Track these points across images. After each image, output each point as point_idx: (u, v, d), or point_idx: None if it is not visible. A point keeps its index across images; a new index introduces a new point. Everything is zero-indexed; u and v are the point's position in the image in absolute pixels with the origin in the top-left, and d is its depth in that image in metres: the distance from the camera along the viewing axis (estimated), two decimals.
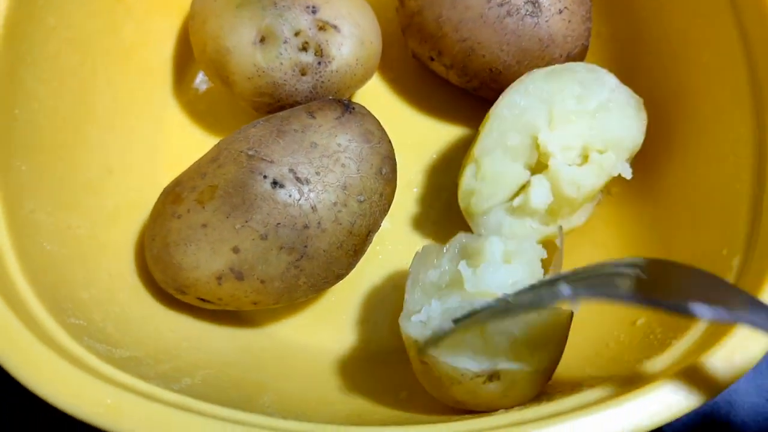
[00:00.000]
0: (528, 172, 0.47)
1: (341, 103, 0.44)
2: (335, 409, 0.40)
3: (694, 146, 0.45)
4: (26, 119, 0.40)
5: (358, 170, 0.42)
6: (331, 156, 0.41)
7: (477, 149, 0.46)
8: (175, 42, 0.54)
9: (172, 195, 0.43)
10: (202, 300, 0.42)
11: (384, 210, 0.44)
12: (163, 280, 0.42)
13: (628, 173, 0.46)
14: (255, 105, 0.48)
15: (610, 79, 0.47)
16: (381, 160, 0.43)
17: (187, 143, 0.52)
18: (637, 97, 0.47)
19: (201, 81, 0.55)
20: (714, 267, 0.38)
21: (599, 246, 0.49)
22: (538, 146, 0.46)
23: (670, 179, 0.46)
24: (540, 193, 0.46)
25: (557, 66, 0.47)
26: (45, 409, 0.31)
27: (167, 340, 0.41)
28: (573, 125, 0.46)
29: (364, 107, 0.45)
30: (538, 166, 0.47)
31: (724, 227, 0.39)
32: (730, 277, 0.37)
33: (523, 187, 0.47)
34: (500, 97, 0.46)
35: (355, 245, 0.42)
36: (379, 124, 0.44)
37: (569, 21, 0.48)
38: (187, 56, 0.53)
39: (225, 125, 0.53)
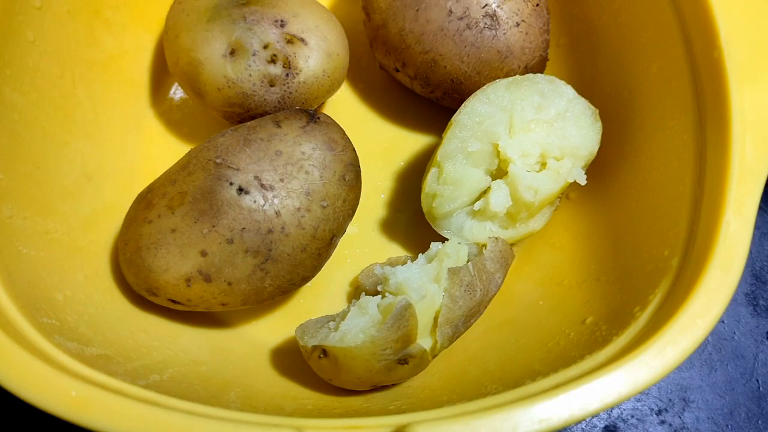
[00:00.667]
0: (489, 178, 0.49)
1: (307, 113, 0.45)
2: (300, 404, 0.41)
3: (643, 152, 0.46)
4: (5, 129, 0.42)
5: (321, 177, 0.43)
6: (296, 163, 0.43)
7: (440, 154, 0.48)
8: (151, 54, 0.56)
9: (144, 201, 0.45)
10: (173, 301, 0.44)
11: (348, 215, 0.46)
12: (135, 283, 0.44)
13: (582, 179, 0.48)
14: (226, 115, 0.50)
15: (568, 91, 0.49)
16: (344, 167, 0.45)
17: (162, 151, 0.53)
18: (593, 108, 0.49)
19: (176, 92, 0.57)
20: (656, 267, 0.40)
21: (556, 249, 0.51)
22: (498, 153, 0.48)
23: (622, 184, 0.48)
24: (499, 197, 0.48)
25: (518, 76, 0.49)
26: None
27: (138, 340, 0.42)
28: (532, 133, 0.48)
29: (329, 117, 0.46)
30: (499, 173, 0.49)
31: (667, 230, 0.41)
32: (670, 277, 0.39)
33: (484, 192, 0.49)
34: (463, 104, 0.48)
35: (318, 249, 0.44)
36: (344, 132, 0.46)
37: (527, 33, 0.49)
38: (163, 68, 0.55)
39: (199, 134, 0.54)
